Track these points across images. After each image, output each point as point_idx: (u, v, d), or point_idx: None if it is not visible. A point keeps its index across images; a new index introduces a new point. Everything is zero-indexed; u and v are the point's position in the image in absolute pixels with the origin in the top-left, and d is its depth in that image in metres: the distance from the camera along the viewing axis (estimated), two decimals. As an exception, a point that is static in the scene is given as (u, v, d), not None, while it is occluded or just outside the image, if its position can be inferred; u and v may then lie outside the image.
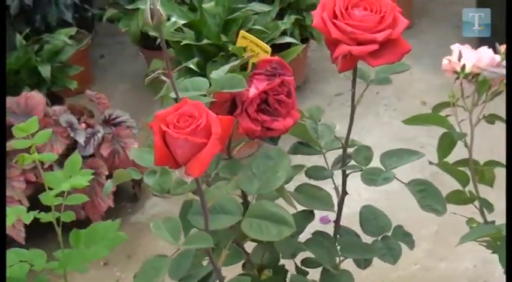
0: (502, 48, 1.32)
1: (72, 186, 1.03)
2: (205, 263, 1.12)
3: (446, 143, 1.38)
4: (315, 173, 1.21)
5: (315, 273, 1.25)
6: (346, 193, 1.23)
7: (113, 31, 3.14)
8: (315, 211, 1.20)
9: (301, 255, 1.25)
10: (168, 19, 2.45)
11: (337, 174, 1.24)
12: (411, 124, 1.38)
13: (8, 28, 2.74)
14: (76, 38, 2.80)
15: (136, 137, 2.32)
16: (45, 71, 2.52)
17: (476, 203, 1.37)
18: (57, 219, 1.10)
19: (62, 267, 1.10)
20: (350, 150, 1.23)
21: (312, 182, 1.22)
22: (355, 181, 1.21)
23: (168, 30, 2.42)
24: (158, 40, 2.47)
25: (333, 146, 1.22)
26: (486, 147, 1.29)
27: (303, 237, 1.20)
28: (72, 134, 2.25)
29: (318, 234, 1.22)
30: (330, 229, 1.28)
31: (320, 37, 2.84)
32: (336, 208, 1.22)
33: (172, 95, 1.03)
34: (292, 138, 1.23)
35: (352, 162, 1.21)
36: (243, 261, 1.20)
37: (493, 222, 1.38)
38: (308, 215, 1.18)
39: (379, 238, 1.26)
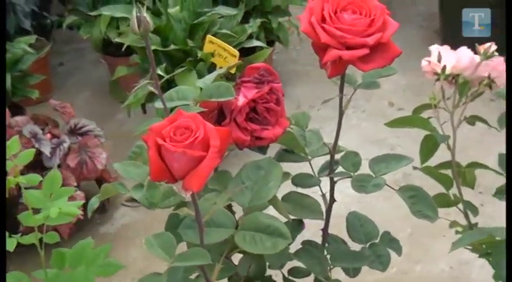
0: (482, 48, 1.32)
1: (62, 212, 0.99)
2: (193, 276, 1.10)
3: (429, 146, 1.38)
4: (302, 180, 1.20)
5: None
6: (335, 200, 1.21)
7: (71, 38, 3.11)
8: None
9: (288, 265, 1.23)
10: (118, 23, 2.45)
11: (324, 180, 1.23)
12: (393, 127, 1.37)
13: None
14: (35, 46, 2.76)
15: (103, 146, 2.28)
16: (7, 81, 2.48)
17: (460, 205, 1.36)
18: (40, 241, 1.06)
19: None
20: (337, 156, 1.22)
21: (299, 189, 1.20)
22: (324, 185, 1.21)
23: (134, 37, 2.39)
24: (123, 47, 2.47)
25: (318, 153, 1.20)
26: (458, 148, 1.29)
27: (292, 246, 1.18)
28: (37, 145, 2.20)
29: (307, 243, 1.20)
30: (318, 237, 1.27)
31: (286, 40, 2.84)
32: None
33: (158, 105, 1.02)
34: (275, 145, 1.22)
35: (340, 169, 1.19)
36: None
37: (476, 224, 1.38)
38: (298, 225, 1.17)
39: (367, 245, 1.25)
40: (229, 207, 1.12)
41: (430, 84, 1.27)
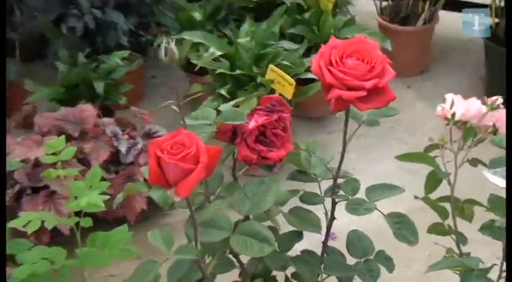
0: (489, 100, 1.32)
1: (89, 202, 1.03)
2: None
3: (432, 181, 1.38)
4: (308, 198, 1.22)
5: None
6: (334, 218, 1.23)
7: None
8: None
9: (292, 269, 1.23)
10: (206, 50, 2.48)
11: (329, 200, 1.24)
12: (404, 160, 1.38)
13: (73, 47, 2.79)
14: (130, 59, 2.84)
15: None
16: (99, 86, 2.56)
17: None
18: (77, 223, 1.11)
19: (79, 264, 1.10)
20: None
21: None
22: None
23: (207, 60, 2.44)
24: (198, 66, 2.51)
25: (326, 176, 1.22)
26: (466, 188, 1.28)
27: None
28: (115, 143, 2.28)
29: (305, 252, 1.22)
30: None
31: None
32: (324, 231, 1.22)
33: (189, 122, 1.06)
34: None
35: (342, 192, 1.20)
36: (239, 271, 1.20)
37: (469, 254, 1.37)
38: (297, 235, 1.19)
39: (362, 260, 1.26)
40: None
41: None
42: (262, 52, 2.45)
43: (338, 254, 1.27)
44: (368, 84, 1.02)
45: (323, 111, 2.73)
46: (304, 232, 1.21)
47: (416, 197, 1.37)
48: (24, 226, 1.10)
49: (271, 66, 2.18)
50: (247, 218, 1.11)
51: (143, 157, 2.28)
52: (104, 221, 1.93)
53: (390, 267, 1.27)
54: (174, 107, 1.02)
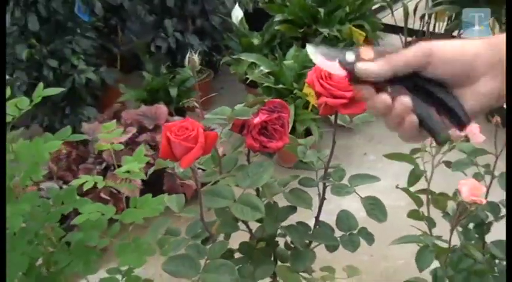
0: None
1: (129, 168, 1.08)
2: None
3: (413, 176, 1.38)
4: (305, 182, 1.22)
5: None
6: (325, 198, 1.23)
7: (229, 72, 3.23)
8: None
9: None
10: (258, 67, 2.52)
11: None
12: (391, 159, 1.39)
13: (158, 61, 2.87)
14: (201, 73, 2.90)
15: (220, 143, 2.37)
16: (173, 92, 2.63)
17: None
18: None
19: (121, 218, 1.12)
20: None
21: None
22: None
23: (257, 75, 2.48)
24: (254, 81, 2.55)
25: (321, 166, 1.23)
26: (444, 184, 1.29)
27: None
28: (181, 136, 2.34)
29: (299, 223, 1.22)
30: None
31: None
32: (316, 207, 1.22)
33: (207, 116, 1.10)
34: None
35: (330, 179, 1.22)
36: (249, 235, 1.23)
37: (440, 236, 1.36)
38: (292, 209, 1.19)
39: (347, 234, 1.26)
40: (257, 194, 1.17)
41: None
42: (302, 72, 2.47)
43: (329, 228, 1.26)
44: (348, 94, 1.03)
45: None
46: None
47: (398, 187, 1.38)
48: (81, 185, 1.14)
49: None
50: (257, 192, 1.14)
51: (201, 148, 2.34)
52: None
53: (369, 241, 1.25)
54: (196, 103, 1.06)
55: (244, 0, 3.12)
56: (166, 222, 0.97)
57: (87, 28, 2.53)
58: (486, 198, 1.22)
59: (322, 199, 1.24)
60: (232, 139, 1.15)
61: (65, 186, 2.25)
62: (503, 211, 1.24)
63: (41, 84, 1.12)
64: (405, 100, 0.62)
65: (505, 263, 1.18)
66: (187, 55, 1.04)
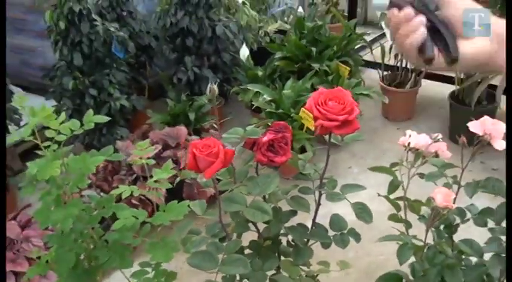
0: (433, 135, 1.31)
1: (158, 176, 1.07)
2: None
3: (392, 186, 1.37)
4: (304, 190, 1.21)
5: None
6: (320, 204, 1.22)
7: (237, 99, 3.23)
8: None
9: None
10: (262, 95, 2.52)
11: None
12: (374, 171, 1.38)
13: (179, 91, 2.87)
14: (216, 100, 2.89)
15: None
16: (192, 116, 2.63)
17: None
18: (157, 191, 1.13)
19: (152, 221, 1.12)
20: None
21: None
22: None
23: (261, 102, 2.48)
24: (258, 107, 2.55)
25: (317, 177, 1.22)
26: (418, 192, 1.28)
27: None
28: (198, 153, 2.33)
29: (299, 224, 1.21)
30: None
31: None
32: (313, 212, 1.22)
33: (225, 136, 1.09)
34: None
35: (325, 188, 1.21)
36: (257, 235, 1.22)
37: (415, 236, 1.35)
38: (293, 213, 1.18)
39: (339, 233, 1.25)
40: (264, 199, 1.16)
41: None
42: (298, 99, 2.48)
43: (323, 229, 1.25)
44: (341, 118, 1.03)
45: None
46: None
47: (379, 195, 1.37)
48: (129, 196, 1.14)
49: (303, 109, 2.20)
50: (264, 199, 1.13)
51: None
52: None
53: (357, 239, 1.24)
54: (215, 125, 1.06)
55: (250, 41, 3.13)
56: (190, 223, 0.97)
57: (122, 63, 2.54)
58: (454, 203, 1.22)
59: (318, 205, 1.23)
60: (243, 155, 1.15)
61: (102, 194, 2.25)
62: (468, 215, 1.23)
63: (90, 111, 1.12)
64: (422, 17, 0.65)
65: (471, 258, 1.17)
66: (209, 85, 1.04)
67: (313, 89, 2.66)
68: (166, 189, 1.85)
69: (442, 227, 1.25)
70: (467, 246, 1.09)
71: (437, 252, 1.11)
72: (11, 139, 1.09)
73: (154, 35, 2.93)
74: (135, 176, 2.23)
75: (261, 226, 1.20)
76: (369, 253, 2.10)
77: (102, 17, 2.43)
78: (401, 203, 1.37)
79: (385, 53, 3.06)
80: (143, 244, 1.14)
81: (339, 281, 1.42)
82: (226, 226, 1.09)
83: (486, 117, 1.12)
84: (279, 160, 1.08)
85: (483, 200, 1.39)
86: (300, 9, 3.42)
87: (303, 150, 2.37)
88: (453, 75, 2.81)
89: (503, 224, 1.10)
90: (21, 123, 2.20)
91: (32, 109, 1.01)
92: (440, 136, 1.33)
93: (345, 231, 1.25)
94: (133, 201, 2.12)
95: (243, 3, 2.99)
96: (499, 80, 2.70)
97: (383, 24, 3.20)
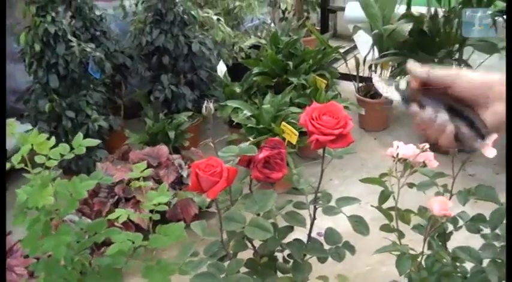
0: (421, 146, 1.33)
1: (158, 201, 1.05)
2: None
3: (383, 196, 1.39)
4: (298, 205, 1.22)
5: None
6: (315, 218, 1.23)
7: (215, 115, 3.20)
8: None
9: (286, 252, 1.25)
10: (242, 111, 2.52)
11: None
12: (365, 183, 1.39)
13: (156, 109, 2.84)
14: (193, 118, 2.87)
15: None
16: (171, 134, 2.60)
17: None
18: (150, 217, 1.12)
19: (150, 244, 1.10)
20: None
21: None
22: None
23: (242, 117, 2.48)
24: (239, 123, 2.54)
25: (310, 192, 1.23)
26: (407, 202, 1.29)
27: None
28: (180, 171, 2.31)
29: (295, 240, 1.21)
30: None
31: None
32: (308, 226, 1.22)
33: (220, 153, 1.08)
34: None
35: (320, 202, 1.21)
36: (253, 252, 1.21)
37: (407, 245, 1.36)
38: (289, 228, 1.18)
39: (334, 247, 1.25)
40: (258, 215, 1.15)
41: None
42: (277, 114, 2.49)
43: (318, 243, 1.26)
44: (336, 132, 1.03)
45: (317, 153, 2.73)
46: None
47: (372, 206, 1.38)
48: (116, 219, 1.12)
49: (283, 123, 2.21)
50: (258, 215, 1.13)
51: (198, 180, 2.31)
52: (169, 221, 1.95)
53: (352, 251, 1.25)
54: (211, 144, 1.05)
55: (225, 57, 3.13)
56: (192, 246, 0.95)
57: (98, 84, 2.51)
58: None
59: (313, 219, 1.23)
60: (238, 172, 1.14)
61: (83, 218, 2.20)
62: (461, 222, 1.25)
63: (80, 135, 1.10)
64: (443, 115, 0.69)
65: (465, 265, 1.18)
66: (205, 104, 1.03)
67: (292, 103, 2.68)
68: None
69: (435, 235, 1.27)
70: (466, 253, 1.10)
71: (434, 260, 1.12)
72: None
73: (128, 55, 2.91)
74: (116, 197, 2.20)
75: (256, 243, 1.19)
76: (355, 265, 2.11)
77: (76, 38, 2.39)
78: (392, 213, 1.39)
79: (359, 64, 3.10)
80: (132, 267, 1.12)
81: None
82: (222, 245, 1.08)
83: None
84: (276, 176, 1.07)
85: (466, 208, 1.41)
86: (272, 24, 3.45)
87: (285, 164, 2.37)
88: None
89: (497, 231, 1.11)
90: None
91: (22, 135, 0.99)
92: (427, 146, 1.35)
93: (340, 245, 1.26)
94: (116, 224, 2.08)
95: (218, 19, 2.99)
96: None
97: (355, 37, 3.26)
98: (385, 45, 2.83)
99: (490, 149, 1.16)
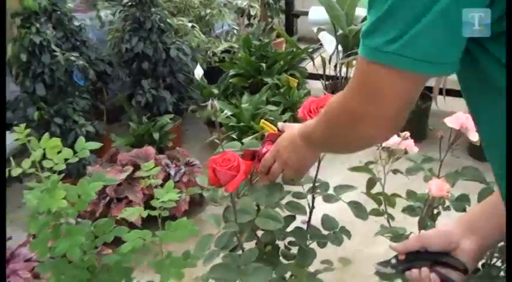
0: (402, 134, 1.32)
1: (169, 198, 1.01)
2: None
3: (371, 182, 1.37)
4: (298, 195, 1.18)
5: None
6: (314, 207, 1.20)
7: (195, 116, 3.15)
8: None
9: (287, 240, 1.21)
10: (222, 111, 2.48)
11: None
12: (354, 171, 1.37)
13: (139, 113, 2.77)
14: (174, 119, 2.82)
15: (202, 171, 2.30)
16: (156, 136, 2.55)
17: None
18: (159, 214, 1.08)
19: (161, 240, 1.06)
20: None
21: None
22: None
23: (223, 117, 2.44)
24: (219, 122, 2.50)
25: (307, 182, 1.20)
26: (393, 186, 1.28)
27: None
28: (168, 170, 2.26)
29: (297, 228, 1.18)
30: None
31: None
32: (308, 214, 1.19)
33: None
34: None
35: (318, 190, 1.19)
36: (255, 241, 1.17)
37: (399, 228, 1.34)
38: (292, 218, 1.15)
39: (332, 232, 1.23)
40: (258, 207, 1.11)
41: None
42: (256, 112, 2.46)
43: (317, 229, 1.23)
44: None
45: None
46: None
47: (362, 192, 1.36)
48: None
49: (262, 120, 2.18)
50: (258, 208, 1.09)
51: (185, 177, 2.26)
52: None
53: (348, 236, 1.23)
54: (217, 141, 1.01)
55: (200, 61, 3.08)
56: (209, 240, 0.91)
57: (83, 90, 2.42)
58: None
59: (312, 207, 1.21)
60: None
61: (78, 219, 2.12)
62: (447, 202, 1.24)
63: (82, 138, 1.04)
64: (425, 270, 0.81)
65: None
66: (209, 102, 0.99)
67: (268, 101, 2.66)
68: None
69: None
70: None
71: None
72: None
73: (108, 62, 2.82)
74: (108, 198, 2.12)
75: (258, 233, 1.16)
76: (344, 248, 2.09)
77: (58, 48, 2.30)
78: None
79: (326, 64, 3.10)
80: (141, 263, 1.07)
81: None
82: (232, 236, 1.04)
83: (460, 113, 1.14)
84: (279, 169, 1.04)
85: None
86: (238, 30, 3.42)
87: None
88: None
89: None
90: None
91: (34, 141, 0.93)
92: (408, 134, 1.34)
93: (337, 230, 1.23)
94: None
95: (193, 26, 2.94)
96: (433, 82, 2.80)
97: (320, 37, 3.26)
98: (350, 45, 2.84)
99: (473, 133, 1.17)
